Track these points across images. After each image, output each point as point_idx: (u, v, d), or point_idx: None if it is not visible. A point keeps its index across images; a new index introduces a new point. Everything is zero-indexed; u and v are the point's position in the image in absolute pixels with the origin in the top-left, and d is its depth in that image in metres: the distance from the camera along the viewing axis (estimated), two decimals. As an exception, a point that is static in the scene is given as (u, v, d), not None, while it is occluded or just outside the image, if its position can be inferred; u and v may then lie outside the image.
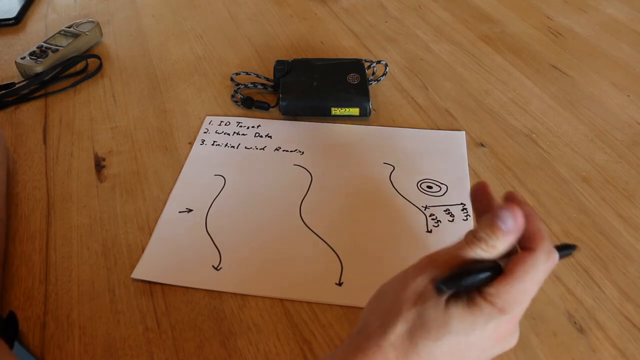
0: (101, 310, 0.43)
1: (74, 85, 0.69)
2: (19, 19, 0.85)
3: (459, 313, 0.30)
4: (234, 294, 0.44)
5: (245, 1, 0.88)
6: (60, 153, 0.59)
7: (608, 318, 0.41)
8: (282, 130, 0.60)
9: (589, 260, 0.45)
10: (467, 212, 0.49)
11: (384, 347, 0.29)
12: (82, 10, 0.88)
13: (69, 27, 0.77)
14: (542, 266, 0.30)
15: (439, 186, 0.52)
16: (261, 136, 0.59)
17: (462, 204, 0.50)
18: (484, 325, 0.29)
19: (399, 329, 0.30)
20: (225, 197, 0.52)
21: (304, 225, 0.49)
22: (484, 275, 0.30)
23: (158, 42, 0.78)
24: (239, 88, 0.65)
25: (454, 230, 0.47)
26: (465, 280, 0.31)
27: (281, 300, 0.43)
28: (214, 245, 0.47)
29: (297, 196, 0.52)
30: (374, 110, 0.62)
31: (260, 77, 0.66)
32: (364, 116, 0.60)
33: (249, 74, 0.67)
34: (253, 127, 0.61)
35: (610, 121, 0.59)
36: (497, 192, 0.52)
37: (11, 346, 0.40)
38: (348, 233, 0.48)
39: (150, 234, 0.49)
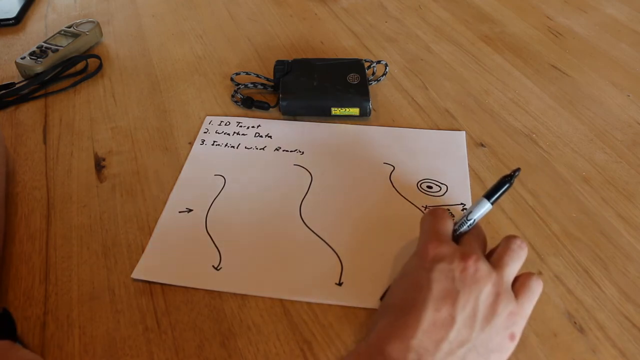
0: (101, 310, 0.43)
1: (74, 85, 0.69)
2: (19, 19, 0.85)
3: None
4: (234, 294, 0.44)
5: (245, 1, 0.88)
6: (60, 153, 0.59)
7: (608, 318, 0.41)
8: (282, 130, 0.60)
9: (589, 260, 0.45)
10: (467, 212, 0.49)
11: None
12: (82, 10, 0.88)
13: (69, 27, 0.77)
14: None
15: (439, 186, 0.52)
16: (261, 136, 0.59)
17: (462, 204, 0.50)
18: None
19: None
20: (225, 197, 0.52)
21: (304, 225, 0.49)
22: None
23: (158, 42, 0.78)
24: (239, 88, 0.65)
25: (454, 230, 0.47)
26: None
27: (281, 300, 0.43)
28: (214, 245, 0.47)
29: (297, 196, 0.52)
30: (374, 110, 0.62)
31: (260, 77, 0.66)
32: (364, 116, 0.60)
33: (249, 74, 0.67)
34: (253, 127, 0.61)
35: (610, 121, 0.59)
36: (497, 192, 0.52)
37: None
38: (348, 233, 0.48)
39: (150, 234, 0.49)
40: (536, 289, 0.37)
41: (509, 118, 0.60)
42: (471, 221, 0.41)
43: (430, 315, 0.34)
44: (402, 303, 0.36)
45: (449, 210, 0.49)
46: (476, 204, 0.41)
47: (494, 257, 0.38)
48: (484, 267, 0.36)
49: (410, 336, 0.33)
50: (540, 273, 0.44)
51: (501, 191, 0.41)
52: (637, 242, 0.46)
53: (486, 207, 0.41)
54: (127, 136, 0.61)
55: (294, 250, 0.47)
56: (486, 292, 0.35)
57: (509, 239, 0.39)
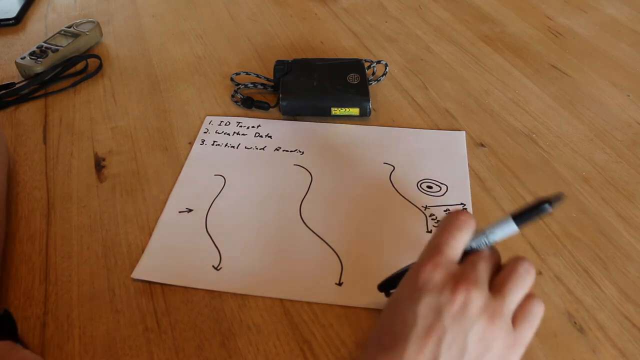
0: (101, 310, 0.43)
1: (74, 85, 0.69)
2: (19, 19, 0.85)
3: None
4: (234, 294, 0.44)
5: (245, 1, 0.88)
6: (60, 153, 0.59)
7: (608, 318, 0.41)
8: (282, 130, 0.60)
9: (589, 260, 0.45)
10: (467, 212, 0.49)
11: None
12: (82, 10, 0.88)
13: (69, 27, 0.77)
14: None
15: (439, 186, 0.52)
16: (261, 136, 0.59)
17: (462, 204, 0.50)
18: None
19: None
20: (225, 197, 0.52)
21: (304, 225, 0.49)
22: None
23: (158, 42, 0.78)
24: (239, 88, 0.65)
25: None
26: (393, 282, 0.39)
27: (281, 300, 0.43)
28: (214, 245, 0.47)
29: (297, 196, 0.52)
30: (374, 110, 0.62)
31: (260, 77, 0.66)
32: (364, 116, 0.60)
33: (249, 74, 0.67)
34: (253, 127, 0.61)
35: (610, 121, 0.59)
36: (497, 192, 0.52)
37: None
38: (348, 233, 0.48)
39: (150, 234, 0.49)
40: (538, 313, 0.34)
41: (509, 118, 0.60)
42: (490, 242, 0.35)
43: (413, 356, 0.31)
44: (386, 337, 0.33)
45: (473, 219, 0.37)
46: (500, 223, 0.35)
47: (498, 281, 0.34)
48: (477, 298, 0.32)
49: None
50: (540, 273, 0.44)
51: (533, 216, 0.34)
52: (637, 242, 0.46)
53: (512, 230, 0.35)
54: (127, 136, 0.61)
55: (294, 250, 0.47)
56: (477, 328, 0.31)
57: (517, 261, 0.34)
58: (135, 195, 0.53)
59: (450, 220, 0.35)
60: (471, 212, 0.49)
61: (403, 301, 0.34)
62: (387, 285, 0.41)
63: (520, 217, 0.34)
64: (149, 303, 0.44)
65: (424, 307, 0.32)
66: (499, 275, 0.34)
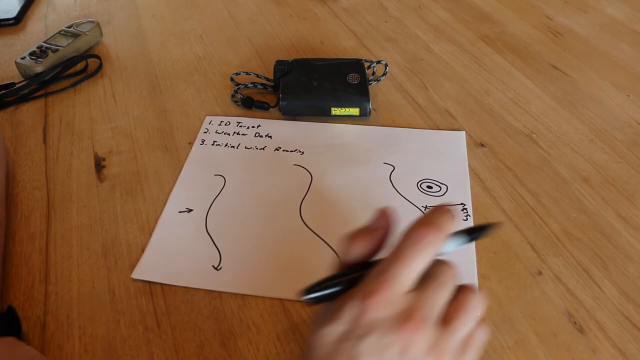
0: (101, 310, 0.43)
1: (74, 85, 0.69)
2: (19, 19, 0.85)
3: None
4: (234, 294, 0.44)
5: (245, 1, 0.88)
6: (60, 153, 0.59)
7: (608, 318, 0.41)
8: (282, 130, 0.60)
9: (589, 260, 0.45)
10: (467, 212, 0.49)
11: None
12: (82, 10, 0.88)
13: (69, 27, 0.77)
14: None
15: (439, 186, 0.52)
16: (261, 136, 0.59)
17: (462, 204, 0.50)
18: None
19: None
20: (225, 197, 0.52)
21: (304, 225, 0.49)
22: (332, 290, 0.33)
23: (158, 42, 0.78)
24: (239, 88, 0.65)
25: (454, 230, 0.47)
26: (316, 291, 0.34)
27: (281, 300, 0.43)
28: (214, 245, 0.47)
29: (297, 196, 0.52)
30: (374, 110, 0.62)
31: (260, 77, 0.66)
32: (364, 116, 0.60)
33: (249, 74, 0.67)
34: (253, 127, 0.61)
35: (610, 121, 0.59)
36: (497, 192, 0.52)
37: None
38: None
39: (150, 234, 0.49)
40: (483, 339, 0.32)
41: (509, 118, 0.60)
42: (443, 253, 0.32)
43: None
44: None
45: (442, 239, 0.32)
46: (453, 237, 0.33)
47: (447, 313, 0.31)
48: (425, 337, 0.29)
49: None
50: (540, 273, 0.44)
51: (480, 235, 0.33)
52: (637, 242, 0.46)
53: (463, 241, 0.33)
54: (127, 136, 0.61)
55: (294, 250, 0.47)
56: None
57: (466, 294, 0.32)
58: (135, 195, 0.53)
59: (415, 241, 0.31)
60: (471, 212, 0.49)
61: (344, 336, 0.30)
62: (311, 291, 0.34)
63: (470, 233, 0.33)
64: (149, 303, 0.44)
65: (367, 347, 0.29)
66: (451, 307, 0.32)
